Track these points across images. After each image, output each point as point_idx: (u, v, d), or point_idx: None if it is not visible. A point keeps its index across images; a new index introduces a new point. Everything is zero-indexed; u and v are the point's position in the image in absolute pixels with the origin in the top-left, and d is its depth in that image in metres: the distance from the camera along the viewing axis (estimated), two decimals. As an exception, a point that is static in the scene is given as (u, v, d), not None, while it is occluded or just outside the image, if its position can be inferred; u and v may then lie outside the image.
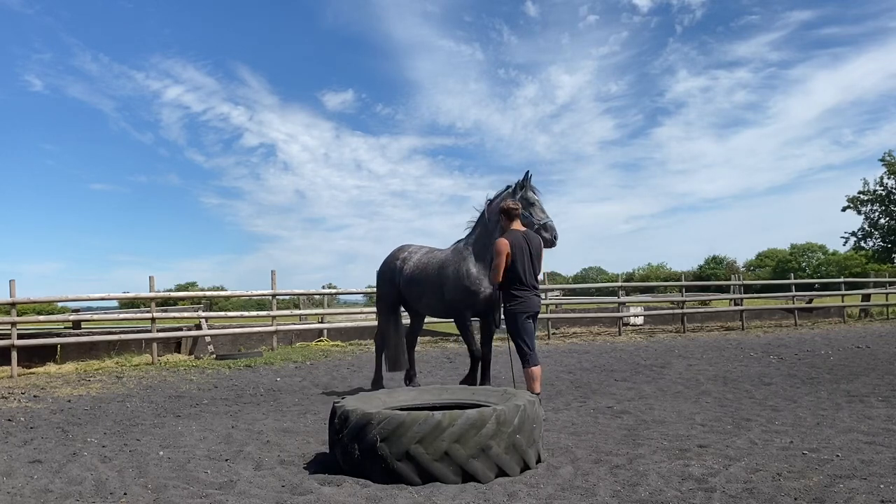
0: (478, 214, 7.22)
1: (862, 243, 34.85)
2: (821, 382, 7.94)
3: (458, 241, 7.42)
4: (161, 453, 5.04)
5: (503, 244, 5.99)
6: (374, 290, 8.85)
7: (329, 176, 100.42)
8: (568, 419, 6.03)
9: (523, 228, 6.24)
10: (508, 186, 6.81)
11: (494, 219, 6.67)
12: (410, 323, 8.34)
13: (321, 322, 14.94)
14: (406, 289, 7.68)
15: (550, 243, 6.47)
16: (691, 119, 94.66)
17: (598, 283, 38.56)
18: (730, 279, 28.17)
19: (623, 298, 17.49)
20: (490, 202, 6.99)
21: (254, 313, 15.39)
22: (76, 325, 14.01)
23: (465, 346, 7.23)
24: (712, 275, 56.08)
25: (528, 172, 6.66)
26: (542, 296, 16.81)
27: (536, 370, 5.96)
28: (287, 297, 20.42)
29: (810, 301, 20.93)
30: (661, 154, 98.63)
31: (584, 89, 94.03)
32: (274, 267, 14.42)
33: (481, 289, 6.81)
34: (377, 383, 7.95)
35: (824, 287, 28.02)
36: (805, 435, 5.13)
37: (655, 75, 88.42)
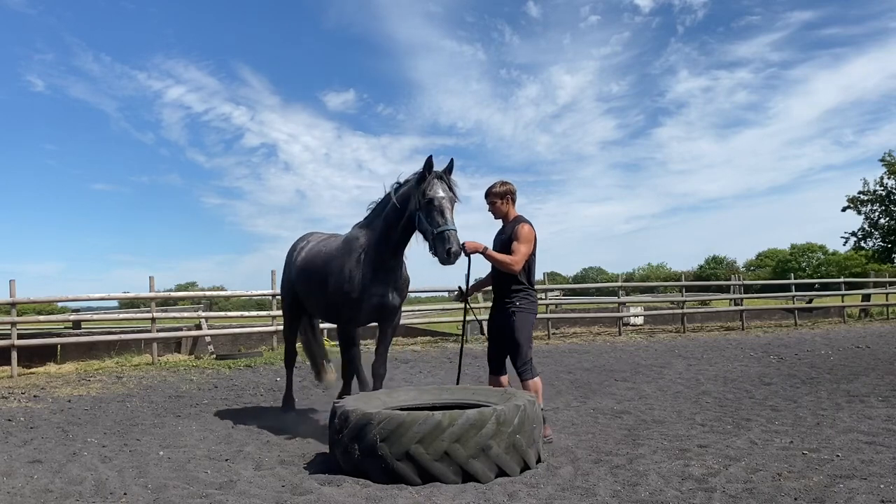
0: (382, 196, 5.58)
1: (862, 243, 34.78)
2: (821, 382, 7.93)
3: (358, 224, 5.79)
4: (161, 453, 5.04)
5: (532, 231, 5.00)
6: None
7: (330, 176, 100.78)
8: (568, 419, 6.03)
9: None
10: (416, 173, 5.16)
11: (400, 208, 5.22)
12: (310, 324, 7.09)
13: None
14: (297, 284, 6.36)
15: (444, 260, 4.79)
16: (692, 119, 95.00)
17: (598, 283, 38.63)
18: (730, 279, 28.15)
19: (623, 298, 17.49)
20: (399, 187, 5.35)
21: (254, 313, 15.36)
22: (76, 325, 14.02)
23: (377, 356, 5.73)
24: (712, 275, 56.17)
25: (451, 160, 5.15)
26: (543, 296, 17.05)
27: (538, 383, 5.07)
28: (287, 297, 20.39)
29: (810, 301, 20.93)
30: (662, 154, 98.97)
31: (585, 89, 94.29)
32: (274, 267, 14.34)
33: (366, 295, 5.37)
34: (286, 401, 6.83)
35: (824, 287, 28.00)
36: (805, 435, 5.13)
37: (656, 75, 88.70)
